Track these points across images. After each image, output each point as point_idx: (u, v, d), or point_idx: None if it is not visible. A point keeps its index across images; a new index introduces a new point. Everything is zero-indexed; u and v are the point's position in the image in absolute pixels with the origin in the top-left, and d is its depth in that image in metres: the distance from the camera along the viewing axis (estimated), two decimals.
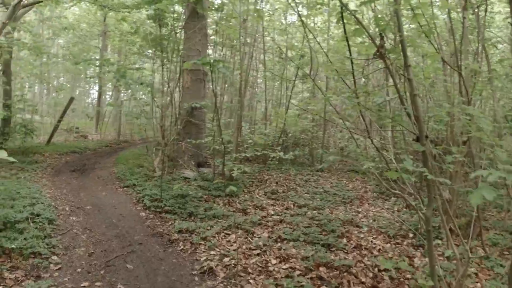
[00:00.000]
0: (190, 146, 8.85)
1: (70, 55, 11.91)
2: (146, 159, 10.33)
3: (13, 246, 4.33)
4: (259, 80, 18.03)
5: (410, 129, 3.23)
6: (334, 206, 7.14)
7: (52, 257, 4.39)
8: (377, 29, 3.21)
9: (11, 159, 4.87)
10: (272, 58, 14.74)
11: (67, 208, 6.25)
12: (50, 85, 16.58)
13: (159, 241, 5.04)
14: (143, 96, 11.74)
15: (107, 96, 25.06)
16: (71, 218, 5.80)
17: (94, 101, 23.62)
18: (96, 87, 21.42)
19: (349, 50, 3.50)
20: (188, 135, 9.39)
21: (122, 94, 19.39)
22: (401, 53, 2.88)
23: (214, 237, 5.03)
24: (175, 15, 9.60)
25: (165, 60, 9.40)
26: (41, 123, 11.73)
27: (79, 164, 10.59)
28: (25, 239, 4.58)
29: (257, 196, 7.47)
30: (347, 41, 3.52)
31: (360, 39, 3.49)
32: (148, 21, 11.25)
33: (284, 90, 13.26)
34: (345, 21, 3.41)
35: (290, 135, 12.09)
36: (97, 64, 10.22)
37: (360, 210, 7.13)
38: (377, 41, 3.03)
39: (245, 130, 11.41)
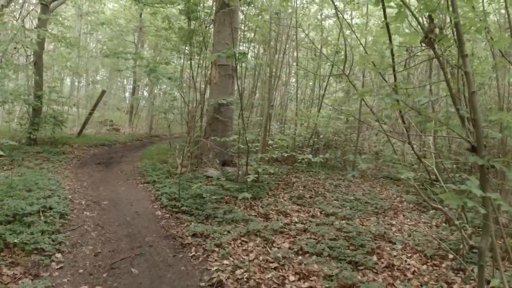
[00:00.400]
0: (215, 143, 8.50)
1: (106, 50, 11.93)
2: (172, 155, 10.09)
3: (15, 240, 4.12)
4: (292, 79, 17.50)
5: (459, 133, 2.65)
6: (365, 216, 6.53)
7: (56, 255, 4.13)
8: (424, 12, 2.64)
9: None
10: (306, 55, 14.16)
11: (83, 202, 6.05)
12: (83, 78, 16.82)
13: (170, 244, 4.69)
14: (173, 91, 11.54)
15: (144, 91, 25.40)
16: (84, 213, 5.58)
17: (129, 95, 23.96)
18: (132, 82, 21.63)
19: (390, 38, 2.95)
20: (214, 132, 9.06)
21: (155, 89, 19.46)
22: (455, 40, 2.32)
23: (230, 244, 4.60)
24: (206, 9, 9.30)
25: (193, 54, 9.10)
26: (70, 114, 11.78)
27: (106, 157, 10.54)
28: (31, 233, 4.36)
29: (282, 200, 6.99)
30: (388, 28, 2.98)
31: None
32: (181, 17, 11.07)
33: (318, 89, 12.66)
34: (385, 3, 2.87)
35: (321, 136, 11.50)
36: (128, 57, 10.09)
37: (394, 222, 6.48)
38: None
39: (274, 130, 10.94)
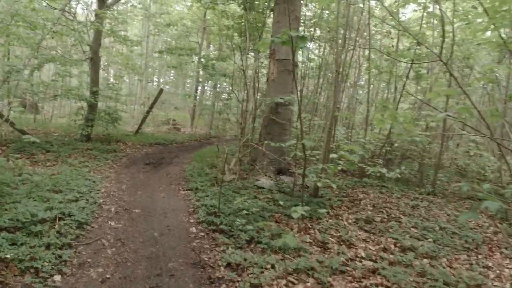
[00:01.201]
0: (270, 149, 7.43)
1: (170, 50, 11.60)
2: (222, 159, 9.22)
3: (7, 255, 3.38)
4: (361, 81, 15.86)
5: None
6: (454, 253, 4.99)
7: (54, 277, 3.32)
8: None
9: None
10: (376, 54, 12.51)
11: (112, 209, 5.31)
12: (144, 76, 16.79)
13: (197, 276, 3.67)
14: (228, 90, 10.77)
15: (209, 92, 25.27)
16: (109, 223, 4.80)
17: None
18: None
19: None
20: (269, 135, 7.99)
21: (217, 88, 19.00)
22: None
23: (271, 286, 3.46)
24: None
25: (248, 47, 8.13)
26: (124, 111, 11.44)
27: (157, 157, 9.97)
28: (32, 247, 3.62)
29: (345, 223, 5.67)
30: None
31: None
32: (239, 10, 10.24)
33: (392, 89, 11.02)
34: None
35: (396, 145, 9.88)
36: (182, 53, 9.43)
37: (490, 264, 4.87)
38: None
39: (340, 135, 9.58)
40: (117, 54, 11.27)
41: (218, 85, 15.36)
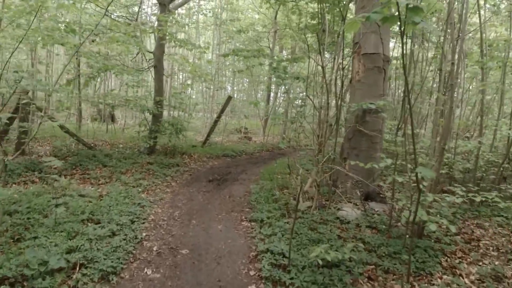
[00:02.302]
0: (355, 168, 5.85)
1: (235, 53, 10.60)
2: (295, 178, 7.79)
3: None
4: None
5: None
6: None
7: None
8: None
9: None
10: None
11: (154, 248, 4.18)
12: (213, 84, 16.04)
13: None
14: (302, 95, 9.33)
15: (281, 98, 24.10)
16: (145, 271, 3.64)
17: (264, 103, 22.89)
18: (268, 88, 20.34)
19: None
20: (355, 150, 6.40)
21: (291, 94, 17.65)
22: None
23: None
24: None
25: (325, 42, 6.65)
26: (193, 120, 10.55)
27: (223, 172, 8.88)
28: None
29: (467, 280, 3.88)
30: None
31: None
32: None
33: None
34: None
35: None
36: (248, 55, 8.25)
37: None
38: None
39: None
40: (183, 61, 10.51)
41: (291, 91, 14.00)
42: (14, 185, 6.39)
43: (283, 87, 7.06)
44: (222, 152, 11.49)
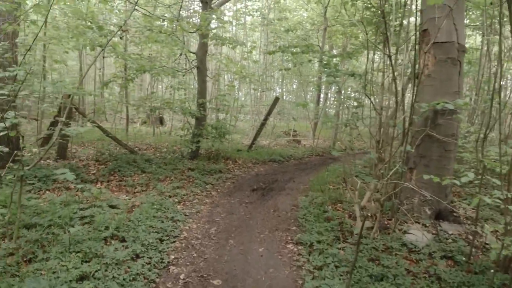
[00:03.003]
0: (424, 182, 4.82)
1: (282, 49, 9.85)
2: (351, 191, 6.84)
3: None
4: None
5: None
6: None
7: None
8: None
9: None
10: None
11: (182, 276, 3.50)
12: (260, 85, 15.32)
13: None
14: (355, 95, 8.37)
15: (332, 99, 23.00)
16: None
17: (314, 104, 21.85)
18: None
19: None
20: (424, 159, 5.36)
21: (342, 95, 16.55)
22: None
23: None
24: None
25: (390, 29, 5.67)
26: (231, 125, 9.88)
27: (268, 180, 8.13)
28: None
29: None
30: None
31: None
32: None
33: None
34: None
35: None
36: (295, 51, 7.44)
37: None
38: None
39: None
40: (228, 61, 9.94)
41: (343, 91, 12.94)
42: (47, 192, 6.11)
43: (333, 86, 6.19)
44: (268, 157, 10.76)
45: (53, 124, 8.80)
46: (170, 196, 5.96)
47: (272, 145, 13.54)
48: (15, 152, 3.74)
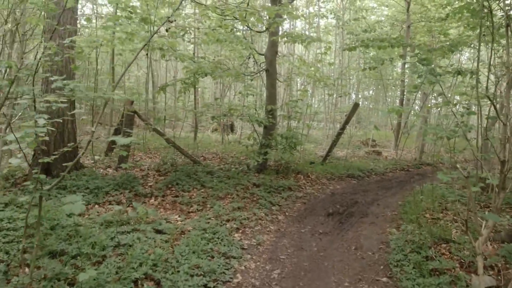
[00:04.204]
0: None
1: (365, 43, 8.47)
2: (463, 222, 5.28)
3: None
4: None
5: None
6: None
7: None
8: None
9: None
10: None
11: None
12: (336, 90, 13.85)
13: None
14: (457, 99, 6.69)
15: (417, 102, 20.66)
16: None
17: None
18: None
19: None
20: None
21: (432, 99, 14.47)
22: None
23: None
24: None
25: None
26: (304, 135, 8.62)
27: (346, 202, 6.83)
28: None
29: None
30: None
31: None
32: None
33: None
34: None
35: None
36: (385, 45, 6.09)
37: None
38: None
39: None
40: (300, 63, 8.84)
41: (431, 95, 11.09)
42: (96, 206, 5.54)
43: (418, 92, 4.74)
44: (346, 172, 9.37)
45: (117, 131, 8.50)
46: (228, 221, 4.99)
47: (349, 157, 12.07)
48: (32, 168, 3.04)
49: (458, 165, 3.49)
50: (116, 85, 4.16)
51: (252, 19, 6.52)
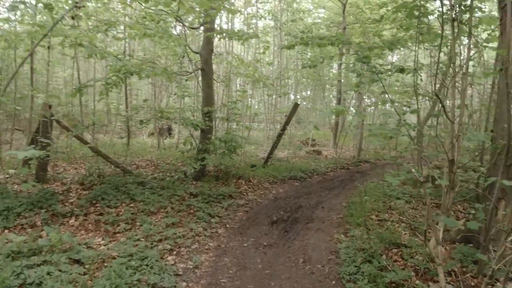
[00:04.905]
0: None
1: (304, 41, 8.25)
2: (412, 217, 5.15)
3: None
4: None
5: None
6: None
7: None
8: None
9: None
10: None
11: None
12: (275, 90, 13.65)
13: None
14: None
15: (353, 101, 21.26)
16: None
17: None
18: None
19: None
20: None
21: (366, 99, 14.83)
22: None
23: None
24: None
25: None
26: (243, 138, 8.15)
27: (290, 207, 6.48)
28: None
29: None
30: None
31: None
32: None
33: None
34: None
35: None
36: (324, 43, 5.84)
37: None
38: None
39: None
40: (238, 62, 8.38)
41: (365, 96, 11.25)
42: (7, 231, 4.62)
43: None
44: (288, 174, 9.09)
45: (33, 140, 7.41)
46: (160, 241, 4.36)
47: (290, 158, 11.87)
48: None
49: (412, 169, 3.21)
50: (5, 87, 3.35)
51: (181, 11, 5.91)
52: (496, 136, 3.85)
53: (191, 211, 5.57)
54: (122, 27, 7.74)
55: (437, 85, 5.36)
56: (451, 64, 3.69)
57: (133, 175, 7.35)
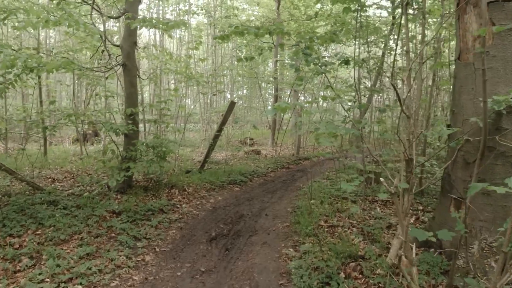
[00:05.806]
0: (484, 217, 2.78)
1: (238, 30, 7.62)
2: (359, 215, 4.72)
3: None
4: None
5: None
6: None
7: None
8: None
9: None
10: None
11: None
12: (210, 88, 12.88)
13: None
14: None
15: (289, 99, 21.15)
16: None
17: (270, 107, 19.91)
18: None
19: None
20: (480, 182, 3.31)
21: (301, 96, 14.64)
22: None
23: None
24: None
25: None
26: (174, 143, 7.25)
27: (231, 218, 5.80)
28: None
29: None
30: None
31: None
32: None
33: None
34: None
35: None
36: (262, 33, 5.23)
37: None
38: None
39: None
40: (166, 57, 7.49)
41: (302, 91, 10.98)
42: None
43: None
44: (227, 179, 8.39)
45: None
46: (70, 280, 3.43)
47: (229, 160, 11.19)
48: None
49: (381, 179, 2.69)
50: None
51: None
52: (456, 132, 3.50)
53: (113, 234, 4.64)
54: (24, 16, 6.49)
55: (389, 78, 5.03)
56: (405, 52, 3.27)
57: (44, 192, 6.17)
